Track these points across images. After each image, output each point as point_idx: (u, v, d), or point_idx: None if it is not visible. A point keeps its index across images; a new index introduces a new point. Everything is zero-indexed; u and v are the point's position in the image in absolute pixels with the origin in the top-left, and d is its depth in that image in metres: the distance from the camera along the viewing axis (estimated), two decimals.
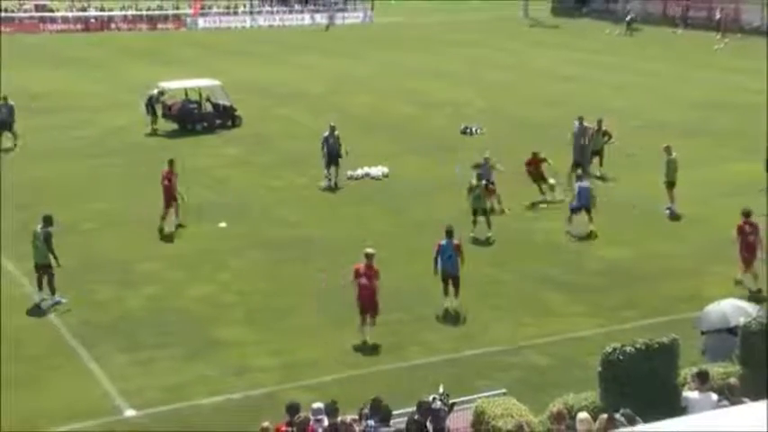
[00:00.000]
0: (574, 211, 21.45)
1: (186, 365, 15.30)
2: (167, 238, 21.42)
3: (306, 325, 16.90)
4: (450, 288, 17.08)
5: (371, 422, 11.17)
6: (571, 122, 26.87)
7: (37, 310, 17.39)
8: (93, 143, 30.86)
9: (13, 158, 28.16)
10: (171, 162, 22.02)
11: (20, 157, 28.53)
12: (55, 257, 17.42)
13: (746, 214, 17.79)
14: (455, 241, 17.00)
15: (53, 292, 17.52)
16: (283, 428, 11.21)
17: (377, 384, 14.06)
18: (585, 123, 26.41)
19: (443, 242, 16.95)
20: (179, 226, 21.70)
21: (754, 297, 16.98)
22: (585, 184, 21.77)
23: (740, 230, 17.68)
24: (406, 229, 22.01)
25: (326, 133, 25.50)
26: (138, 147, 30.38)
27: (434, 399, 11.67)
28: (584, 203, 21.30)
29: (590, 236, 21.13)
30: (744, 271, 17.76)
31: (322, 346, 16.00)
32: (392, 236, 21.33)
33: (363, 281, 15.66)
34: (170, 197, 21.56)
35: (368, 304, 15.74)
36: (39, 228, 17.57)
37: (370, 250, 15.88)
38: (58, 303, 17.43)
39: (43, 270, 17.48)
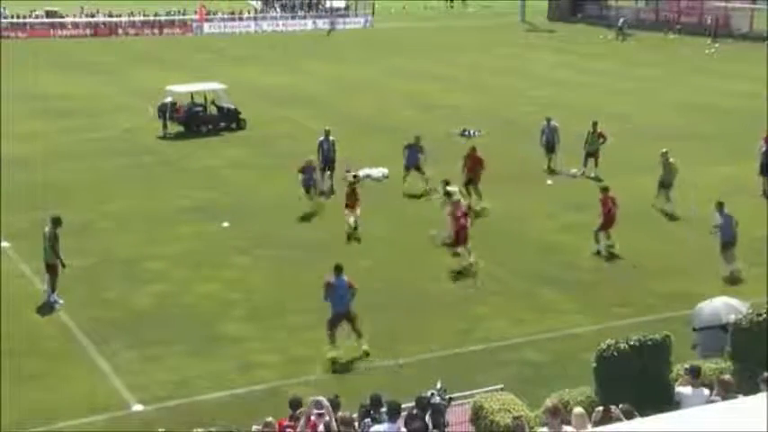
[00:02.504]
0: (726, 246, 19.18)
1: (191, 361, 15.60)
2: (174, 237, 21.78)
3: (307, 322, 17.15)
4: (339, 330, 15.66)
5: (368, 420, 11.43)
6: (569, 125, 27.35)
7: (48, 308, 17.67)
8: (104, 145, 31.20)
9: (28, 159, 28.56)
10: (354, 177, 22.62)
11: (35, 158, 28.88)
12: (59, 258, 17.61)
13: (605, 189, 20.64)
14: (346, 278, 15.60)
15: (53, 290, 17.75)
16: (286, 423, 11.49)
17: (376, 380, 14.35)
18: (554, 123, 27.51)
19: (333, 280, 15.51)
20: (353, 230, 21.75)
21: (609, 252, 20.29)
22: (727, 213, 19.34)
23: (604, 203, 20.33)
24: (406, 228, 22.35)
25: (322, 138, 25.77)
26: (147, 148, 30.76)
27: (432, 394, 11.95)
28: (731, 236, 19.19)
29: (733, 280, 18.82)
30: (606, 237, 20.47)
31: (322, 343, 16.25)
32: (392, 235, 21.71)
33: (463, 221, 19.30)
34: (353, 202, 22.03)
35: (464, 238, 19.20)
36: (47, 228, 17.84)
37: (458, 197, 20.02)
38: (55, 303, 17.65)
39: (50, 270, 17.74)
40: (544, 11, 76.66)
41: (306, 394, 12.44)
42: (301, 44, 61.09)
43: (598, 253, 20.36)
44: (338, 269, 15.67)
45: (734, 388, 11.30)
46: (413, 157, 25.41)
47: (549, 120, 27.77)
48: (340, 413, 11.39)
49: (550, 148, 27.48)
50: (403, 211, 23.69)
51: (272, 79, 45.32)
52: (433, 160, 25.74)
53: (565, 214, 23.31)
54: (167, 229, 22.31)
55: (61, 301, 17.71)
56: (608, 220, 20.28)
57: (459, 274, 19.28)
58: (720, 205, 19.47)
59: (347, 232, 21.62)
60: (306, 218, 23.27)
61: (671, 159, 23.42)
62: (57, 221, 17.91)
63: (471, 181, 23.88)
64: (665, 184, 23.46)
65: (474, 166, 23.97)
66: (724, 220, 19.18)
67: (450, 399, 12.11)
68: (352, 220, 21.82)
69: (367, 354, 15.60)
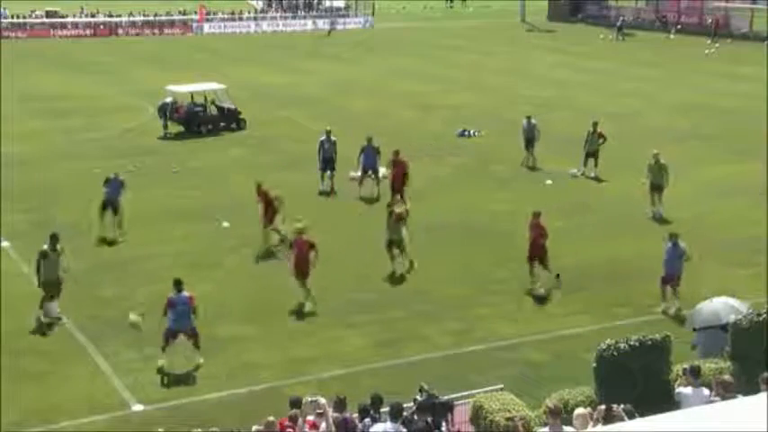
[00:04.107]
0: (666, 280, 17.38)
1: (191, 361, 15.59)
2: (174, 237, 21.77)
3: (305, 322, 17.21)
4: (171, 343, 15.27)
5: (368, 420, 11.46)
6: (569, 125, 27.37)
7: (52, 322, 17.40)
8: (104, 145, 31.22)
9: (27, 159, 28.58)
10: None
11: (34, 158, 28.90)
12: (38, 277, 17.04)
13: (537, 215, 18.66)
14: (186, 293, 15.31)
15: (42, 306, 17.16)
16: (287, 422, 11.52)
17: (376, 380, 14.38)
18: (533, 120, 27.78)
19: (173, 295, 15.20)
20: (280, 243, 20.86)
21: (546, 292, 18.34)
22: (681, 244, 17.36)
23: (533, 228, 18.57)
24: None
25: (323, 137, 25.74)
26: (147, 148, 30.78)
27: (428, 396, 11.93)
28: (676, 270, 17.28)
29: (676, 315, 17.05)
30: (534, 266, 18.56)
31: (322, 343, 16.32)
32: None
33: (299, 254, 17.44)
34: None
35: (304, 272, 17.44)
36: (45, 246, 17.13)
37: (300, 224, 17.83)
38: (58, 320, 17.21)
39: (53, 287, 17.16)
40: (544, 11, 76.71)
41: (306, 394, 12.46)
42: (301, 44, 61.12)
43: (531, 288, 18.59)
44: (178, 284, 15.32)
45: (734, 388, 11.31)
46: (369, 158, 24.65)
47: (529, 117, 28.02)
48: (336, 413, 11.41)
49: (529, 144, 27.76)
50: None
51: (272, 79, 45.34)
52: (434, 162, 25.78)
53: (564, 214, 23.28)
54: (167, 229, 22.32)
55: (64, 319, 17.24)
56: (535, 249, 18.42)
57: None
58: (671, 237, 17.47)
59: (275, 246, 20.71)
60: (305, 218, 23.19)
61: (662, 161, 22.94)
62: (55, 238, 17.24)
63: (396, 188, 22.74)
64: (657, 187, 22.87)
65: (398, 172, 22.91)
66: (669, 252, 17.32)
67: (437, 396, 12.12)
68: (276, 238, 20.81)
69: (198, 367, 15.25)
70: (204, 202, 24.52)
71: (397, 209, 19.26)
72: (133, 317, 15.85)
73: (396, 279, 19.10)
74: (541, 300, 18.23)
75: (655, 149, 23.52)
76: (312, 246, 17.46)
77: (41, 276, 17.14)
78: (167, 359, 15.17)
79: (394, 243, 19.05)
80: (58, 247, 17.19)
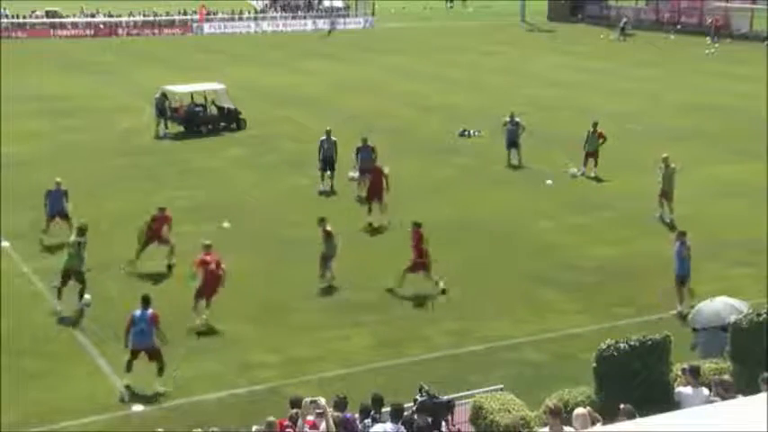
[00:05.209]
0: (682, 279, 17.36)
1: (191, 361, 15.58)
2: (174, 237, 21.69)
3: (306, 322, 17.22)
4: (134, 362, 14.78)
5: (368, 420, 11.46)
6: (569, 125, 27.37)
7: (50, 309, 17.62)
8: (104, 145, 31.23)
9: (27, 159, 28.58)
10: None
11: (35, 158, 28.89)
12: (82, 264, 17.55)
13: (417, 225, 18.46)
14: (150, 311, 14.95)
15: (81, 296, 17.59)
16: (287, 422, 11.52)
17: (376, 380, 14.39)
18: (517, 119, 27.69)
19: (137, 313, 14.89)
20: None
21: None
22: (687, 243, 17.32)
23: (414, 238, 18.29)
24: (404, 228, 22.32)
25: (323, 138, 25.75)
26: (147, 148, 30.84)
27: (430, 396, 11.95)
28: (685, 270, 17.34)
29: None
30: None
31: (322, 343, 16.32)
32: (390, 235, 21.72)
33: (212, 267, 16.80)
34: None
35: (213, 289, 16.87)
36: (72, 237, 17.72)
37: (207, 242, 17.36)
38: (87, 305, 17.51)
39: (74, 276, 17.52)
40: (544, 11, 76.78)
41: (306, 394, 12.46)
42: (301, 44, 61.16)
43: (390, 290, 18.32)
44: (145, 301, 15.05)
45: (734, 388, 11.30)
46: (366, 158, 24.34)
47: (512, 115, 27.91)
48: (336, 413, 11.42)
49: (512, 143, 27.66)
50: (401, 212, 23.63)
51: (272, 79, 45.38)
52: (434, 162, 25.78)
53: (564, 214, 23.32)
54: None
55: (88, 298, 17.51)
56: (419, 263, 18.17)
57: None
58: (679, 236, 17.56)
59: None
60: (306, 218, 23.24)
61: (672, 165, 22.48)
62: (83, 230, 17.77)
63: (374, 196, 22.49)
64: (665, 193, 22.30)
65: (374, 179, 22.58)
66: (678, 252, 17.30)
67: (437, 396, 12.14)
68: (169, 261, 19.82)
69: (160, 394, 14.59)
70: (204, 202, 24.51)
71: (328, 226, 18.98)
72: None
73: (394, 279, 19.08)
74: (542, 300, 18.24)
75: (664, 153, 23.05)
76: (219, 264, 16.90)
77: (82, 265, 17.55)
78: (130, 379, 14.76)
79: (324, 257, 18.81)
80: (84, 238, 17.65)
